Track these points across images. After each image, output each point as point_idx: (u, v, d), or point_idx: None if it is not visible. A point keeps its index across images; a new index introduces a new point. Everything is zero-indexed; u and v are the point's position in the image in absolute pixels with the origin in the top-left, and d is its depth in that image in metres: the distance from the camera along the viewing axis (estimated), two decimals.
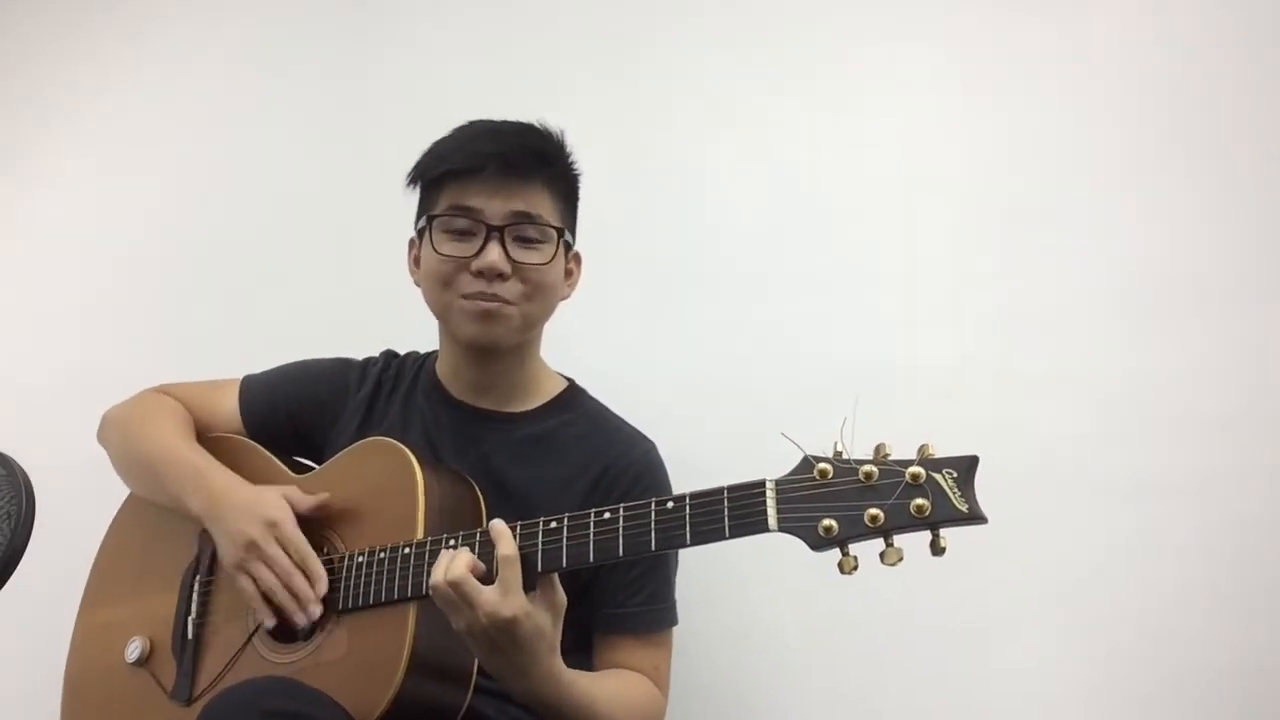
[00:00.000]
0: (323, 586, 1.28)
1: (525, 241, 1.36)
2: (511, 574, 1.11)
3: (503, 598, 1.10)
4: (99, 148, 2.41)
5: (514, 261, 1.35)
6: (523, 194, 1.36)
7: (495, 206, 1.35)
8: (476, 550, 1.16)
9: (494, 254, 1.33)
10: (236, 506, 1.33)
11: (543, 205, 1.37)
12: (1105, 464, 1.56)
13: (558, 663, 1.17)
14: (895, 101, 1.78)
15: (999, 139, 1.71)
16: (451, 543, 1.20)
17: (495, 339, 1.39)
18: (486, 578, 1.13)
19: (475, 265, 1.34)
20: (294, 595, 1.27)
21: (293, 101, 2.25)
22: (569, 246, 1.44)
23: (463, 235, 1.36)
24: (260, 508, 1.32)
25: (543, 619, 1.13)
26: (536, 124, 1.42)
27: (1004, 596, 1.57)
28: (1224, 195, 1.58)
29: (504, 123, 1.42)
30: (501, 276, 1.34)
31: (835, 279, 1.76)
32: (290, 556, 1.29)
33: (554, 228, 1.38)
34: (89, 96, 2.45)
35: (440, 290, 1.39)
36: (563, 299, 1.45)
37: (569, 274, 1.46)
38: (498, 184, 1.34)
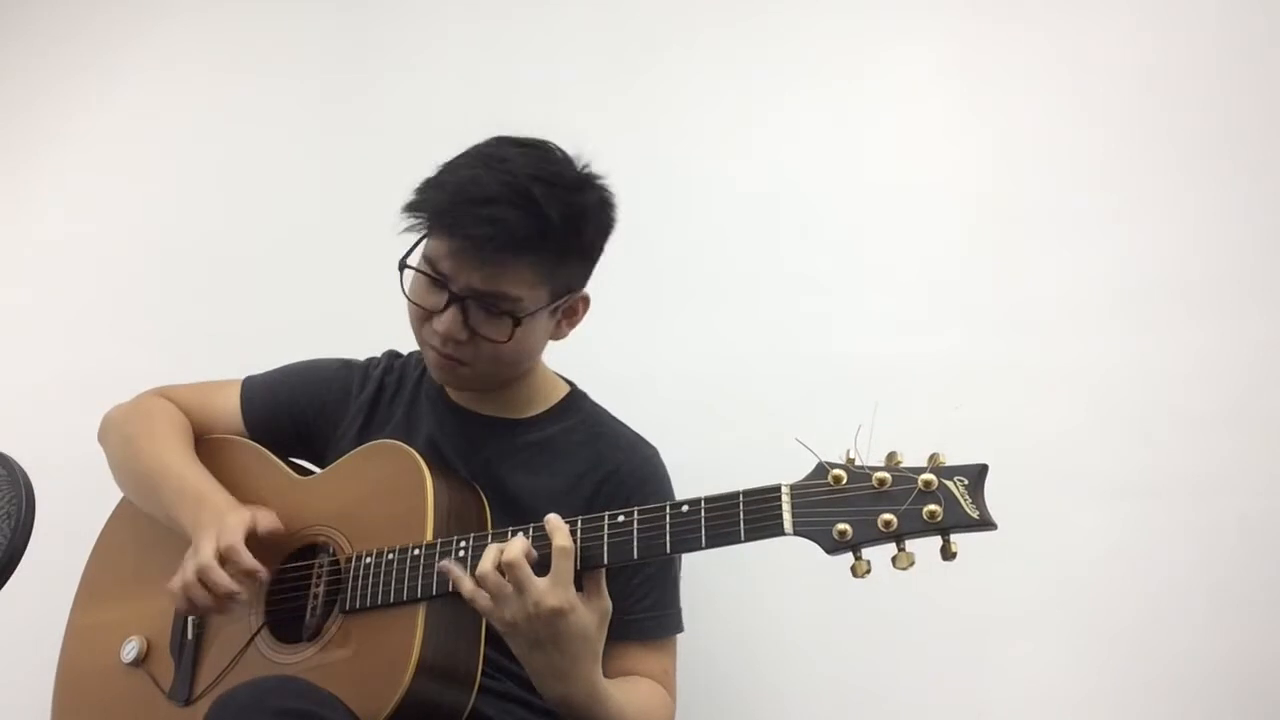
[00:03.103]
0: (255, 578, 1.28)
1: (488, 312, 1.30)
2: (565, 565, 1.11)
3: (553, 587, 1.10)
4: (97, 149, 2.39)
5: (471, 329, 1.30)
6: (491, 272, 1.27)
7: (461, 278, 1.28)
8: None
9: (448, 321, 1.30)
10: (204, 525, 1.31)
11: (512, 282, 1.28)
12: (1104, 463, 1.58)
13: (598, 671, 1.17)
14: (897, 104, 1.81)
15: (999, 141, 1.74)
16: (463, 543, 1.21)
17: (455, 387, 1.43)
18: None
19: (434, 324, 1.32)
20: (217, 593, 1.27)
21: (292, 101, 2.25)
22: (568, 295, 1.37)
23: (433, 286, 1.32)
24: (216, 522, 1.30)
25: (589, 618, 1.12)
26: (549, 175, 1.30)
27: (1005, 594, 1.59)
28: (1222, 196, 1.61)
29: (505, 183, 1.27)
30: (457, 341, 1.32)
31: (836, 282, 1.78)
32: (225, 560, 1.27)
33: (512, 316, 1.29)
34: (87, 99, 2.43)
35: (414, 327, 1.38)
36: (557, 339, 1.42)
37: (571, 313, 1.41)
38: (469, 258, 1.27)
